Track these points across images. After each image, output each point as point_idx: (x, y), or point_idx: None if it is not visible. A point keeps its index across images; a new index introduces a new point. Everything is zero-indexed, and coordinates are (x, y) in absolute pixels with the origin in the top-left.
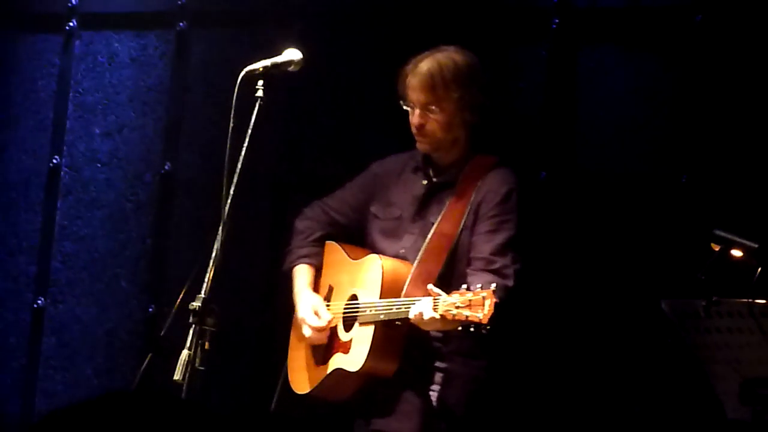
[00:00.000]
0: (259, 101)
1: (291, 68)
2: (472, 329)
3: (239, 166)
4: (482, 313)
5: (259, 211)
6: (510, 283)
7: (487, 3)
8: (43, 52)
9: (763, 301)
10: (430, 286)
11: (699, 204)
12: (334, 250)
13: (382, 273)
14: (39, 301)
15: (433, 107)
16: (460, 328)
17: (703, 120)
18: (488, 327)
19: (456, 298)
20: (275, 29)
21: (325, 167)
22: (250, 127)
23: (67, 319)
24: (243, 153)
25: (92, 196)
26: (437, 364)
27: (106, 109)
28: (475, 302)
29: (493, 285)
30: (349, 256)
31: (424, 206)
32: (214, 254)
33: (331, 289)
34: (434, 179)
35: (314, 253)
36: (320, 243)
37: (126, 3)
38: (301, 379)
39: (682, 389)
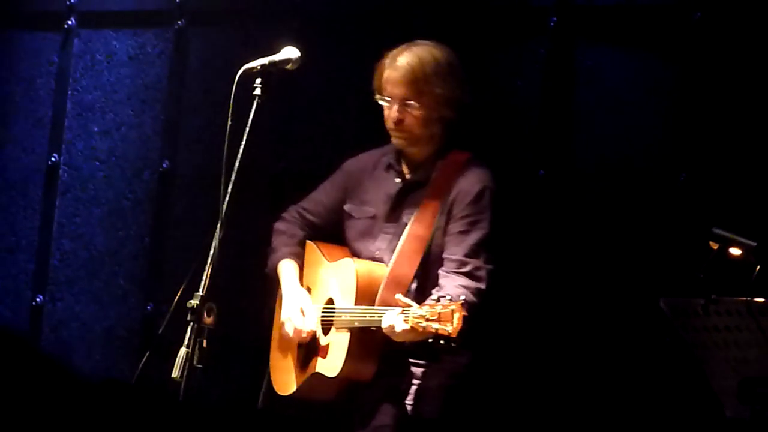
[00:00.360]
0: (257, 99)
1: (289, 66)
2: (442, 342)
3: (237, 164)
4: (451, 326)
5: (258, 209)
6: (482, 285)
7: (485, 1)
8: (42, 50)
9: (762, 300)
10: (399, 296)
11: (697, 202)
12: (311, 250)
13: (357, 278)
14: (37, 299)
15: (413, 102)
16: (430, 340)
17: (701, 118)
18: (457, 340)
19: (425, 310)
20: (273, 27)
21: (324, 165)
22: (248, 125)
23: (65, 317)
24: (241, 151)
25: (91, 193)
26: (414, 360)
27: (105, 107)
28: (443, 315)
29: (462, 297)
30: (325, 257)
31: (398, 205)
32: (212, 252)
33: (309, 291)
34: (407, 176)
35: (297, 253)
36: (302, 245)
37: (124, 1)
38: (282, 381)
39: (680, 388)
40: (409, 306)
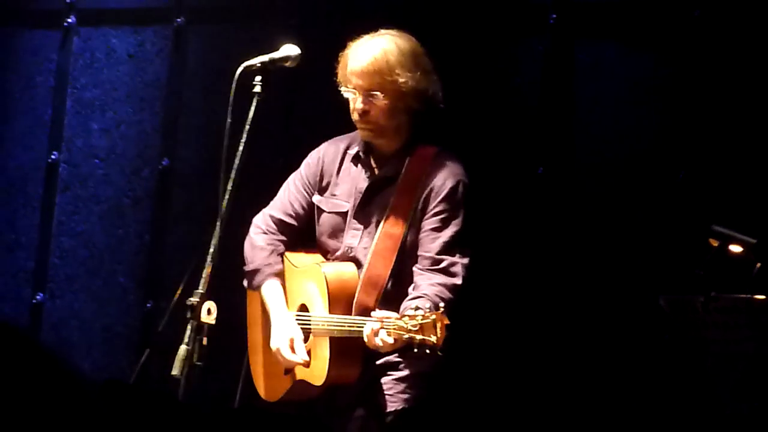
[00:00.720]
0: (256, 97)
1: (288, 64)
2: (427, 351)
3: (237, 161)
4: (435, 337)
5: (257, 207)
6: (458, 281)
7: None
8: (42, 48)
9: (762, 297)
10: (377, 313)
11: (697, 199)
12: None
13: (327, 285)
14: (37, 297)
15: (377, 93)
16: (415, 350)
17: (700, 116)
18: (442, 349)
19: (406, 321)
20: (273, 25)
21: None
22: (248, 122)
23: (65, 315)
24: (241, 148)
25: (90, 191)
26: (393, 359)
27: (104, 105)
28: (426, 326)
29: (441, 304)
30: (292, 263)
31: (368, 202)
32: (211, 250)
33: None
34: (377, 171)
35: (280, 271)
36: (282, 257)
37: None
38: (266, 387)
39: (679, 385)
40: (389, 318)
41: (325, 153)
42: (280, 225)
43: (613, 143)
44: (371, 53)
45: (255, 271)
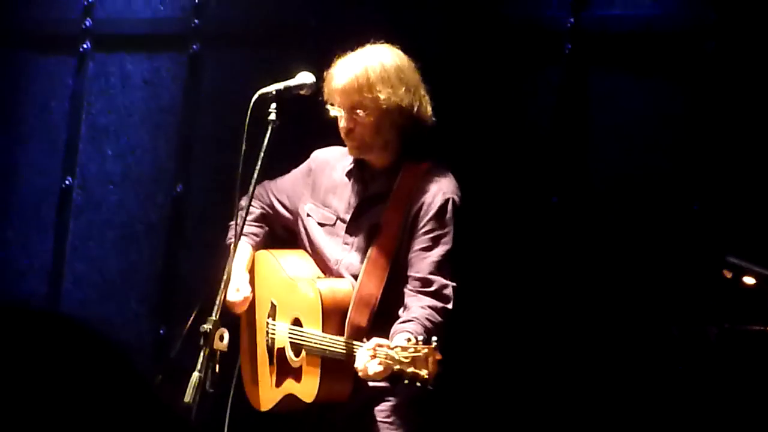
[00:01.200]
0: (271, 124)
1: (304, 92)
2: (418, 384)
3: (251, 188)
4: (426, 371)
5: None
6: (449, 305)
7: (500, 27)
8: (57, 73)
9: None
10: (369, 343)
11: (711, 230)
12: (269, 261)
13: (321, 303)
14: None
15: (359, 110)
16: (406, 381)
17: (715, 147)
18: (433, 384)
19: (398, 352)
20: (288, 52)
21: None
22: (263, 149)
23: None
24: (255, 176)
25: (104, 217)
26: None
27: (119, 131)
28: (418, 360)
29: (435, 339)
30: (286, 271)
31: (359, 216)
32: (225, 276)
33: (274, 307)
34: (368, 188)
35: (252, 233)
36: (259, 222)
37: (139, 25)
38: (258, 397)
39: (693, 416)
40: (381, 346)
41: (329, 156)
42: (267, 198)
43: (627, 173)
44: (352, 71)
45: (229, 227)
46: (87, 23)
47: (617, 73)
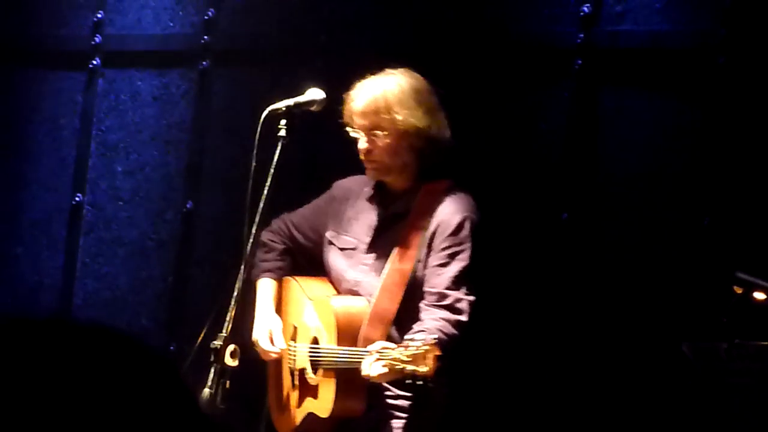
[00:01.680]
0: (281, 141)
1: (314, 108)
2: (419, 381)
3: (261, 205)
4: (426, 368)
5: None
6: (464, 318)
7: (509, 43)
8: (66, 90)
9: None
10: (375, 345)
11: (721, 246)
12: (291, 287)
13: (336, 319)
14: None
15: (377, 132)
16: (408, 381)
17: (725, 162)
18: (434, 380)
19: (399, 352)
20: (298, 68)
21: None
22: (273, 166)
23: None
24: (265, 192)
25: (114, 233)
26: (401, 393)
27: (129, 147)
28: (417, 357)
29: (434, 336)
30: (306, 294)
31: (378, 238)
32: (235, 293)
33: (295, 330)
34: (388, 209)
35: (277, 267)
36: (283, 256)
37: (149, 42)
38: (280, 420)
39: None
40: (386, 348)
41: (350, 185)
42: (288, 231)
43: (637, 189)
44: (371, 93)
45: (252, 264)
46: (97, 40)
47: (627, 89)
